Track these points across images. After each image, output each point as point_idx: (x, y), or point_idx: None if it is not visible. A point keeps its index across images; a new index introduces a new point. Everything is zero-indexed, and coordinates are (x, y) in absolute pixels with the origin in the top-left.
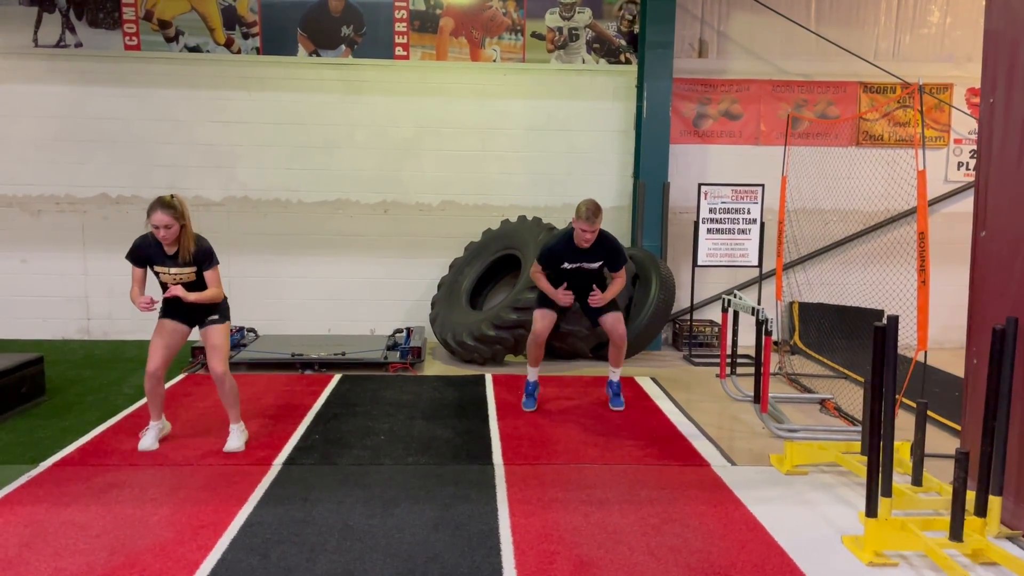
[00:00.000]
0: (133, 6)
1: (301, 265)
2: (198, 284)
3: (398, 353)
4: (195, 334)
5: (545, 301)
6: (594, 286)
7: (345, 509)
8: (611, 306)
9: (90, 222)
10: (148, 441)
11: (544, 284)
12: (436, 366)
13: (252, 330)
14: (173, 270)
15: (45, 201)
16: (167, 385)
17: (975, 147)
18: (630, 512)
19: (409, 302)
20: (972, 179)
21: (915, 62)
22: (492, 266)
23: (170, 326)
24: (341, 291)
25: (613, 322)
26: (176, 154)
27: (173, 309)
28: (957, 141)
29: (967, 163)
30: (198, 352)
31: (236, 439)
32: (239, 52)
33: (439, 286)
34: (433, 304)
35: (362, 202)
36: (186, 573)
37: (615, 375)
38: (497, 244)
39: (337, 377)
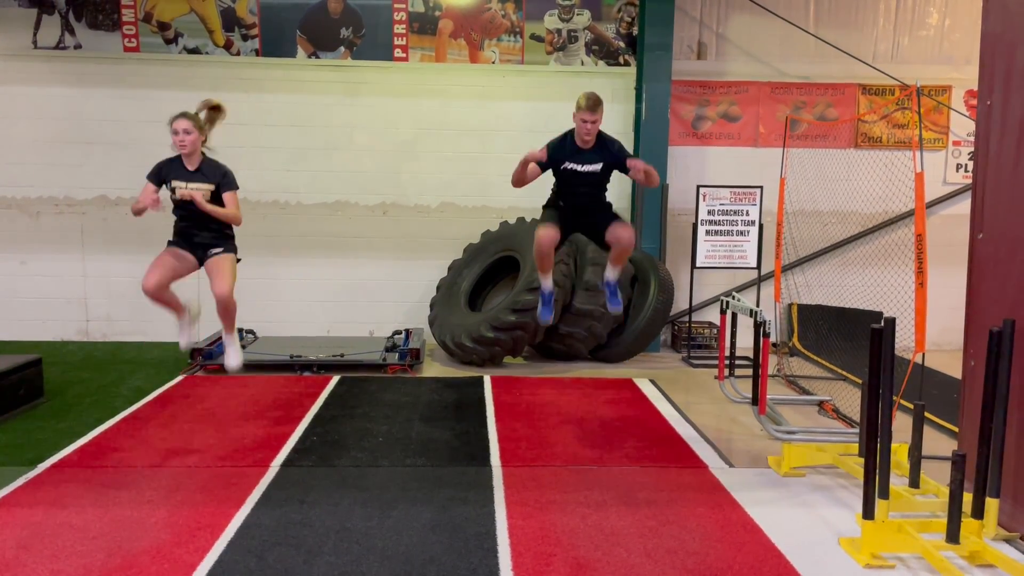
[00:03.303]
0: (132, 8)
1: (300, 267)
2: (215, 205)
3: (397, 355)
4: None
5: (547, 217)
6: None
7: (343, 511)
8: (615, 217)
9: (89, 224)
10: (186, 340)
11: (519, 168)
12: (435, 368)
13: (251, 332)
14: (192, 184)
15: (44, 203)
16: (163, 389)
17: (973, 149)
18: (627, 514)
19: (408, 304)
20: (970, 181)
21: (914, 64)
22: (491, 268)
23: (176, 251)
24: (340, 293)
25: (621, 230)
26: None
27: (181, 237)
28: (956, 143)
29: (965, 165)
30: (197, 353)
31: (233, 354)
32: (238, 54)
33: (438, 288)
34: (432, 306)
35: (361, 204)
36: (183, 575)
37: (612, 273)
38: (496, 246)
39: (335, 379)
